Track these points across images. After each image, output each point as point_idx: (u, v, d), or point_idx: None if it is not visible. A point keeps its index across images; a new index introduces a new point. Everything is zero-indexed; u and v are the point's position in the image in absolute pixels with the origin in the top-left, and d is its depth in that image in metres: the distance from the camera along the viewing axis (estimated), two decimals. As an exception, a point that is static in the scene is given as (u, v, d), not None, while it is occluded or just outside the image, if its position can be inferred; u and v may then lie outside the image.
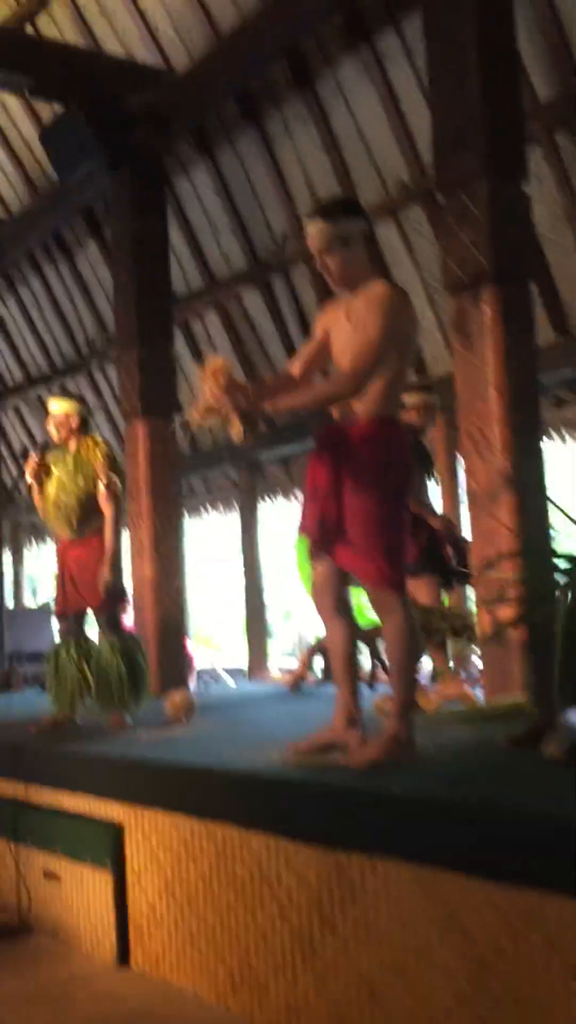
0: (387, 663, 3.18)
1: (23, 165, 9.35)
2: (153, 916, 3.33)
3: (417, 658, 3.21)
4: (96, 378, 10.26)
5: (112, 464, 4.72)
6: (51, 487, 4.70)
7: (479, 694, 4.55)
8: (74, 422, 4.73)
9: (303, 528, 3.16)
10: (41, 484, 4.74)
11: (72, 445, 4.72)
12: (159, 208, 7.15)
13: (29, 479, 4.75)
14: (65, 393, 5.22)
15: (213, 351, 8.71)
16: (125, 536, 6.74)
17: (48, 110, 8.12)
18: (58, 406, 4.76)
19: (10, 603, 11.44)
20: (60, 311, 10.22)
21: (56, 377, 10.53)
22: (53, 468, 4.71)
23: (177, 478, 6.98)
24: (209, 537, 16.64)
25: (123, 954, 3.44)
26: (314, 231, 3.06)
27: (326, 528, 3.04)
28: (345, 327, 3.09)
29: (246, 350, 8.37)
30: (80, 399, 4.91)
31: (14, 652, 9.46)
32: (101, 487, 4.64)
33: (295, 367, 3.29)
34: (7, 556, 11.69)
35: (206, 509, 9.71)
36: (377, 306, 3.01)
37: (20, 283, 10.59)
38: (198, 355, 8.83)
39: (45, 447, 4.80)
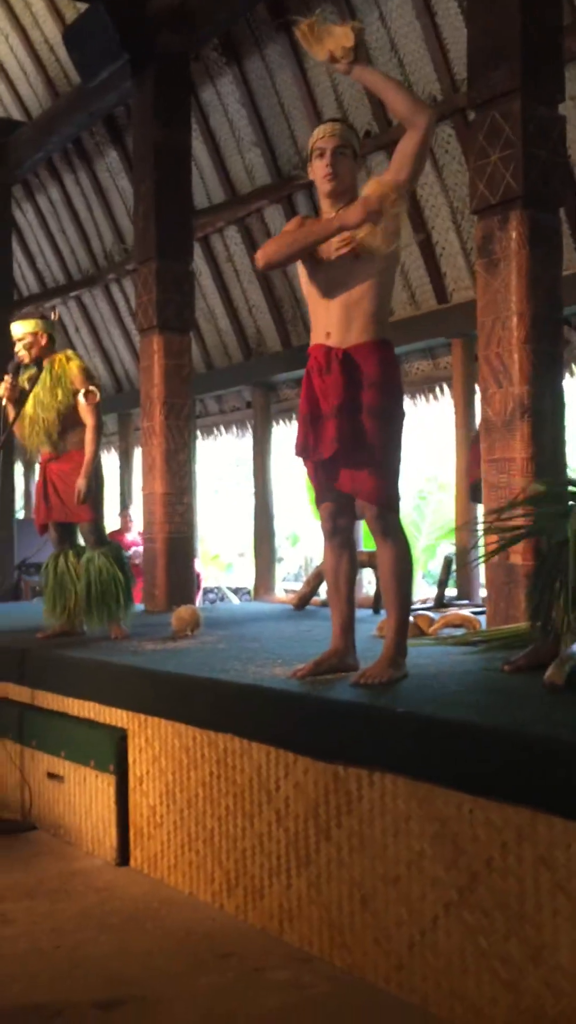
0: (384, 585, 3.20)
1: (45, 67, 9.14)
2: (153, 819, 3.42)
3: (411, 580, 3.24)
4: (112, 291, 10.16)
5: (88, 375, 4.74)
6: (29, 405, 4.69)
7: (482, 621, 4.59)
8: (43, 339, 4.73)
9: (310, 450, 3.11)
10: (17, 405, 4.72)
11: (45, 362, 4.71)
12: (183, 117, 6.99)
13: (4, 401, 4.73)
14: (29, 313, 5.18)
15: (232, 266, 8.60)
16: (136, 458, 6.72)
17: (72, 10, 7.90)
18: (22, 327, 4.74)
19: (20, 515, 11.51)
20: (78, 220, 10.08)
21: (72, 288, 10.42)
22: (27, 386, 4.69)
23: (191, 394, 6.94)
24: (221, 459, 16.69)
25: (123, 854, 3.55)
26: (338, 128, 3.06)
27: (342, 448, 3.02)
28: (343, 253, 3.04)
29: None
30: (43, 317, 4.87)
31: (22, 563, 9.54)
32: (81, 398, 4.65)
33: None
34: (18, 469, 11.73)
35: (219, 431, 9.68)
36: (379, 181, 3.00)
37: (38, 190, 10.42)
38: (216, 271, 8.73)
39: (17, 369, 4.75)
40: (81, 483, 4.63)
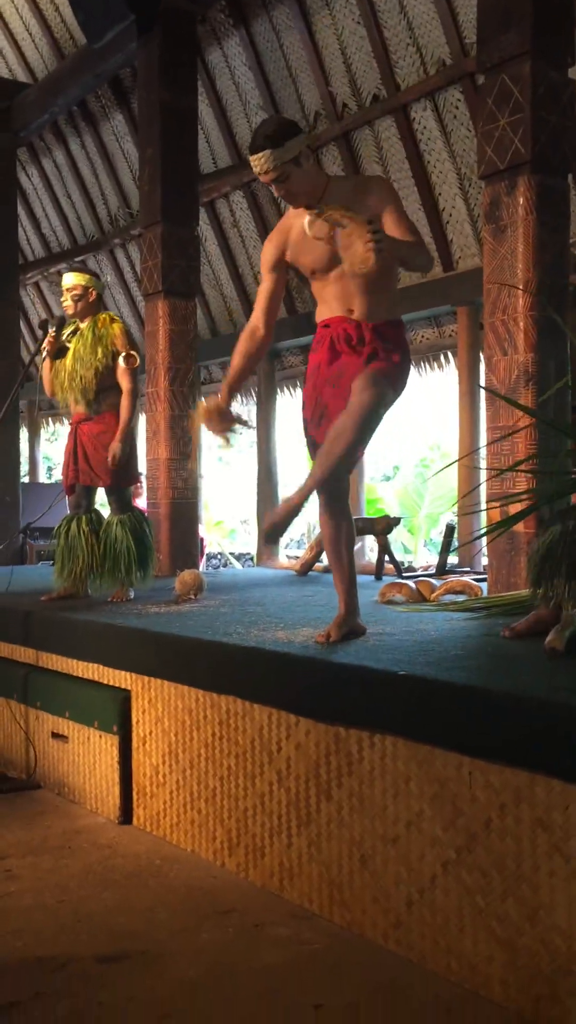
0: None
1: (50, 28, 9.04)
2: (156, 778, 3.46)
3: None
4: (117, 255, 10.11)
5: (131, 339, 4.74)
6: (68, 359, 4.69)
7: (484, 588, 4.62)
8: (92, 295, 4.72)
9: (317, 423, 3.21)
10: (55, 359, 4.73)
11: (88, 320, 4.71)
12: (190, 79, 6.91)
13: (44, 353, 4.75)
14: (82, 267, 5.14)
15: (237, 232, 8.55)
16: (141, 420, 6.75)
17: (78, -32, 7.78)
18: (74, 278, 4.72)
19: (25, 479, 11.53)
20: (83, 184, 10.00)
21: (77, 253, 10.37)
22: (68, 343, 4.70)
23: (195, 360, 6.93)
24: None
25: (126, 813, 3.60)
26: (264, 164, 3.00)
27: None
28: (316, 237, 3.08)
29: (271, 231, 8.20)
30: (95, 274, 4.87)
31: (27, 527, 9.57)
32: (120, 361, 4.65)
33: (262, 326, 3.34)
34: (24, 433, 11.73)
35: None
36: (388, 190, 3.12)
37: (43, 154, 10.34)
38: (222, 236, 8.68)
39: (62, 322, 4.77)
40: (116, 446, 4.64)
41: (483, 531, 3.91)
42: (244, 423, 3.23)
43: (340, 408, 3.07)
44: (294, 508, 2.93)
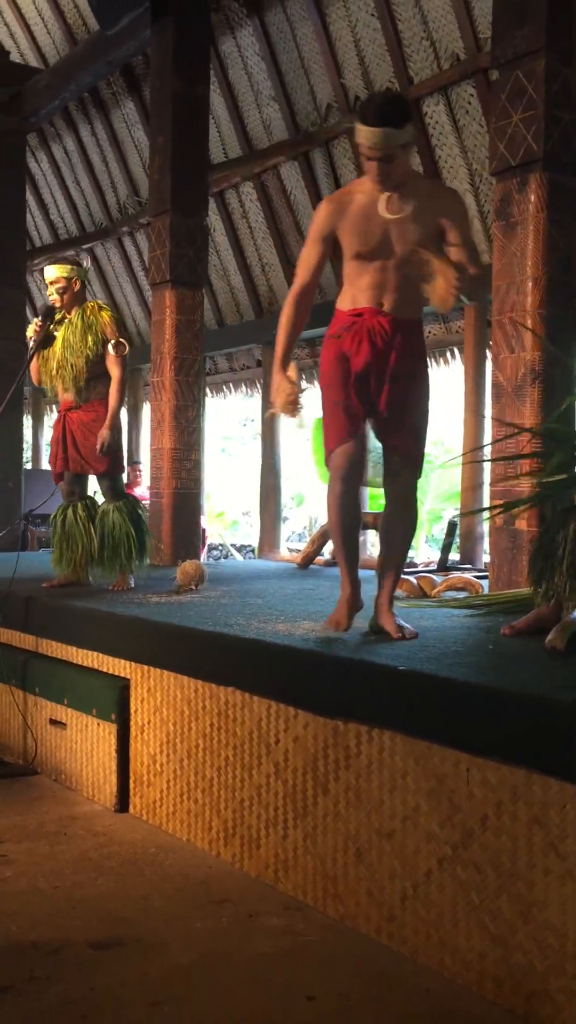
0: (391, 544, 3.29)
1: (63, 13, 9.02)
2: (153, 767, 3.47)
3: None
4: (125, 244, 10.09)
5: (120, 327, 4.74)
6: (57, 348, 4.69)
7: (485, 585, 4.62)
8: (76, 285, 4.71)
9: (360, 408, 3.16)
10: (42, 348, 4.71)
11: (76, 308, 4.70)
12: (202, 68, 6.88)
13: (31, 342, 4.72)
14: (63, 257, 5.08)
15: (246, 223, 8.53)
16: (145, 414, 6.73)
17: (92, -46, 7.75)
18: (55, 271, 4.70)
19: (28, 466, 11.52)
20: (93, 172, 9.98)
21: (85, 240, 10.35)
22: (55, 332, 4.68)
23: (202, 351, 6.92)
24: (229, 417, 16.66)
25: (122, 801, 3.61)
26: (381, 136, 2.94)
27: (393, 409, 3.16)
28: (392, 218, 3.07)
29: (279, 223, 8.19)
30: (77, 263, 4.84)
31: (29, 513, 9.57)
32: (110, 348, 4.65)
33: (314, 290, 3.29)
34: (27, 420, 11.73)
35: (229, 389, 9.66)
36: (460, 208, 3.19)
37: (53, 140, 10.32)
38: (231, 227, 8.67)
39: (50, 311, 4.73)
40: (104, 434, 4.64)
41: (485, 509, 3.92)
42: (302, 390, 3.24)
43: (384, 397, 3.14)
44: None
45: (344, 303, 3.22)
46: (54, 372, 4.72)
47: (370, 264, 3.12)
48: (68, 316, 4.71)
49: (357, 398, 3.15)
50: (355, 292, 3.18)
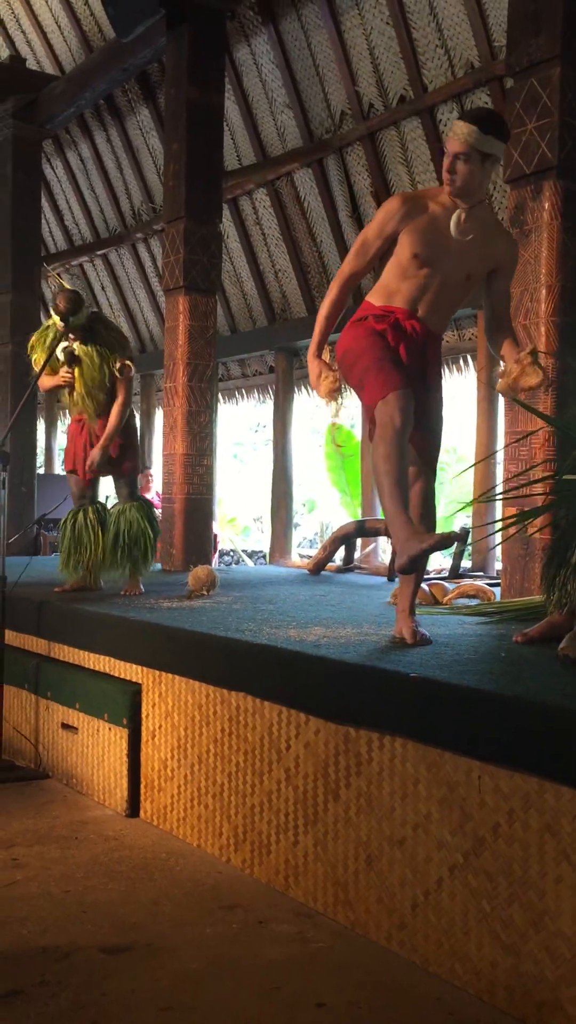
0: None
1: (79, 20, 9.06)
2: (164, 772, 3.47)
3: None
4: (139, 250, 10.13)
5: (125, 348, 4.82)
6: (77, 384, 4.71)
7: (497, 593, 4.61)
8: (84, 316, 4.65)
9: (398, 387, 3.02)
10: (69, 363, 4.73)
11: (91, 343, 4.71)
12: (217, 76, 6.91)
13: (67, 349, 4.71)
14: (64, 299, 4.81)
15: (260, 230, 8.55)
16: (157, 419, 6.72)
17: (109, -38, 7.79)
18: (73, 321, 4.59)
19: (40, 471, 11.55)
20: (107, 178, 10.03)
21: (99, 246, 10.40)
22: (62, 352, 4.70)
23: (214, 356, 6.94)
24: (241, 424, 16.67)
25: (133, 805, 3.61)
26: (465, 131, 2.99)
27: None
28: (455, 237, 3.09)
29: (293, 230, 8.20)
30: (79, 299, 4.70)
31: (42, 518, 9.60)
32: (116, 372, 4.71)
33: (365, 271, 3.26)
34: (40, 424, 11.76)
35: (241, 395, 9.67)
36: (516, 256, 3.35)
37: (68, 146, 10.37)
38: (244, 233, 8.69)
39: (73, 356, 4.71)
40: (95, 454, 4.70)
41: (498, 523, 3.90)
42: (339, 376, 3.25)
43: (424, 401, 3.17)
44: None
45: (377, 297, 3.20)
46: (78, 403, 4.78)
47: (419, 270, 3.13)
48: (79, 348, 4.71)
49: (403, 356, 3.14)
50: (393, 291, 3.17)
